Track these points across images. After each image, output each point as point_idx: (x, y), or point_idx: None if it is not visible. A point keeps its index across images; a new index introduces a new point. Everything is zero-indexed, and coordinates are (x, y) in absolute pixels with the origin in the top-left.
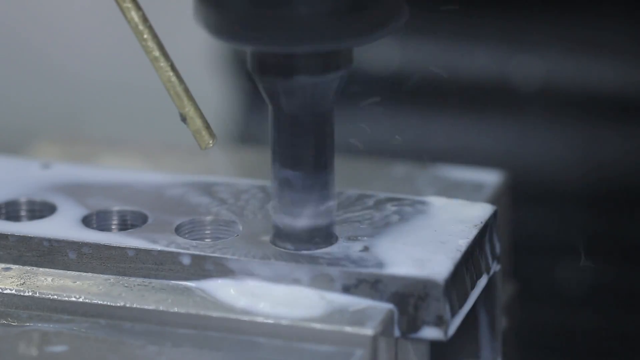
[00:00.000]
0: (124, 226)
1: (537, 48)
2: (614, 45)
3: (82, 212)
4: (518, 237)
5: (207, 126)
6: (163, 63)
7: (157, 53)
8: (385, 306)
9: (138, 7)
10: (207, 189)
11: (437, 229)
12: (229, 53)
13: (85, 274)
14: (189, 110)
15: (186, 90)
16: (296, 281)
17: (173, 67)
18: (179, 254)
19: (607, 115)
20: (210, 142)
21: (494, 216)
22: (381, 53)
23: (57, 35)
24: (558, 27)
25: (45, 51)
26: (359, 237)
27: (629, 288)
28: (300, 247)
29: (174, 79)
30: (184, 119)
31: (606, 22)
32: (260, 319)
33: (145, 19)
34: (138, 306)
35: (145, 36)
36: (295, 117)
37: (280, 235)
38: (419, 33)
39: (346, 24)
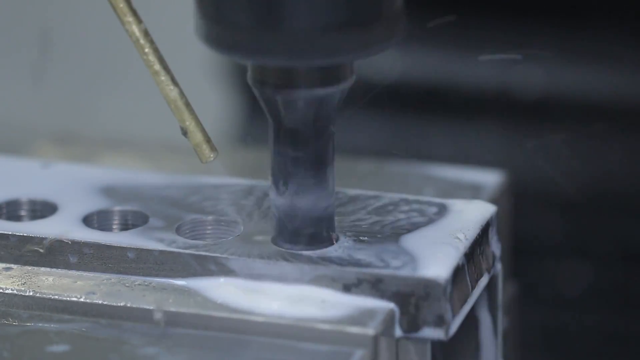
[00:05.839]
0: (124, 226)
1: (537, 57)
2: (614, 54)
3: (82, 212)
4: (518, 237)
5: (208, 140)
6: (164, 77)
7: (157, 67)
8: (386, 306)
9: (139, 21)
10: (207, 189)
11: (437, 229)
12: (229, 64)
13: (86, 273)
14: (190, 124)
15: (187, 104)
16: (297, 281)
17: (174, 81)
18: (179, 254)
19: (607, 122)
20: (211, 156)
21: (494, 216)
22: (382, 62)
23: (58, 35)
24: (558, 37)
25: (46, 50)
26: (360, 237)
27: (629, 288)
28: (301, 247)
29: (174, 93)
30: (184, 132)
31: (606, 31)
32: (260, 319)
33: (146, 33)
34: (139, 306)
35: (146, 50)
36: (295, 130)
37: (281, 235)
38: (421, 42)
39: (347, 38)
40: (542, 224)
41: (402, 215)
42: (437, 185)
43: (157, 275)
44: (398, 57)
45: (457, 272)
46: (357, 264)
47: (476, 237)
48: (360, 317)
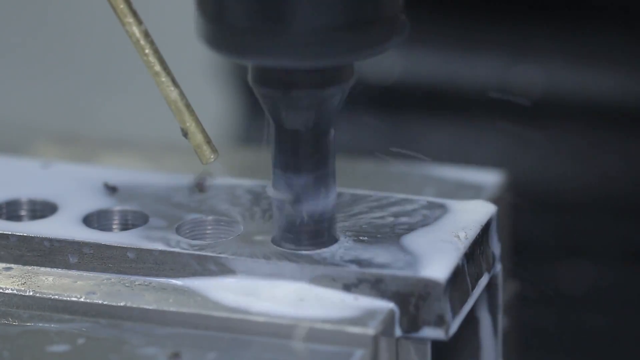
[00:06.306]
0: (124, 226)
1: (537, 58)
2: (613, 55)
3: (83, 212)
4: (518, 237)
5: (209, 141)
6: (164, 78)
7: (158, 68)
8: (386, 306)
9: (139, 22)
10: (207, 188)
11: (437, 229)
12: (229, 65)
13: (86, 273)
14: (190, 126)
15: (187, 106)
16: (297, 281)
17: (174, 82)
18: (179, 253)
19: (606, 122)
20: (212, 157)
21: (494, 216)
22: (383, 63)
23: (58, 35)
24: (558, 38)
25: (46, 50)
26: (360, 237)
27: (629, 288)
28: (301, 247)
29: (175, 94)
30: (185, 134)
31: (606, 32)
32: (260, 319)
33: (146, 34)
34: (139, 306)
35: (146, 51)
36: (295, 130)
37: (281, 234)
38: (421, 43)
39: (348, 40)
40: (542, 224)
41: (402, 215)
42: (437, 185)
43: (157, 275)
44: (398, 58)
45: (457, 272)
46: (357, 264)
47: (476, 237)
48: (360, 317)
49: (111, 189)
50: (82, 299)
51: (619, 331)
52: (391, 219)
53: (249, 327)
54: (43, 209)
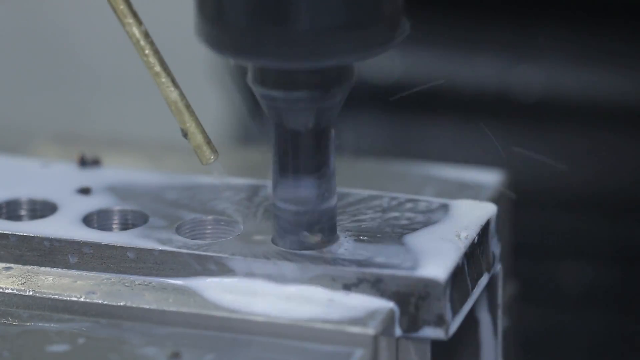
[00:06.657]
0: (124, 226)
1: (537, 58)
2: (613, 55)
3: (83, 211)
4: (519, 236)
5: (209, 141)
6: (164, 79)
7: (158, 68)
8: (386, 305)
9: (139, 23)
10: (207, 189)
11: (438, 229)
12: (229, 65)
13: (86, 273)
14: (190, 126)
15: (187, 106)
16: (297, 281)
17: (174, 83)
18: (179, 253)
19: (606, 122)
20: (212, 157)
21: (495, 216)
22: (382, 63)
23: (58, 35)
24: (558, 38)
25: (46, 50)
26: (360, 237)
27: (629, 288)
28: (301, 247)
29: (175, 94)
30: (185, 134)
31: (606, 32)
32: (260, 319)
33: (146, 35)
34: (138, 306)
35: (146, 52)
36: (296, 130)
37: (281, 234)
38: (421, 43)
39: (348, 40)
40: (542, 224)
41: (402, 215)
42: (437, 185)
43: (157, 275)
44: (398, 58)
45: (457, 271)
46: (357, 263)
47: (476, 237)
48: (360, 317)
49: (85, 191)
50: (82, 299)
51: (619, 331)
52: (391, 218)
53: (249, 327)
54: (43, 209)
